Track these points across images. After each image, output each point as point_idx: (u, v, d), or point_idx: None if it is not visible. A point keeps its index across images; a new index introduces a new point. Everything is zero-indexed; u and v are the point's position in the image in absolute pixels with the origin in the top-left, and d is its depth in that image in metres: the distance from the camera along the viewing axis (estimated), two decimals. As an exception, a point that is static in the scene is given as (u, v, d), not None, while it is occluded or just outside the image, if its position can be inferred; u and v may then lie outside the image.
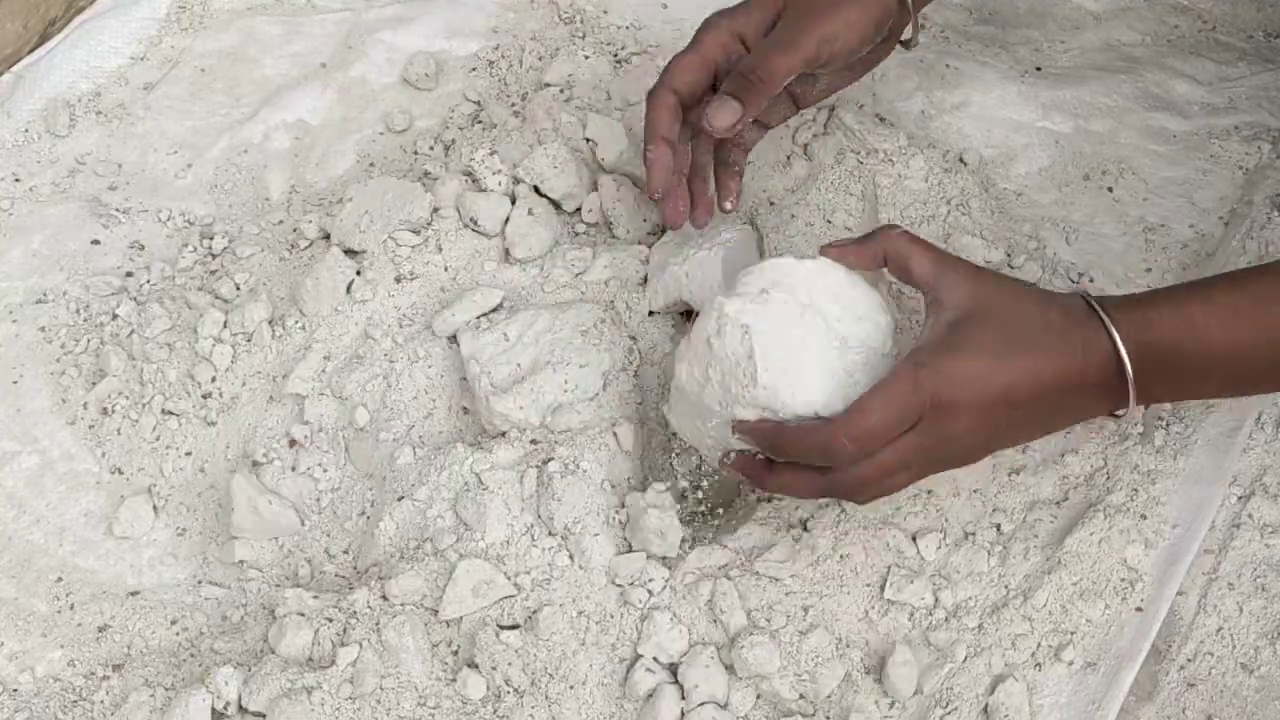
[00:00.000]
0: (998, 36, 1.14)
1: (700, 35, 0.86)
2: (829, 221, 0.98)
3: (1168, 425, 0.86)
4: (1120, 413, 0.75)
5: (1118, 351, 0.71)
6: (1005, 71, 1.09)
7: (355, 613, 0.77)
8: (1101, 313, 0.72)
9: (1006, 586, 0.80)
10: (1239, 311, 0.71)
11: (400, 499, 0.82)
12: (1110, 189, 1.02)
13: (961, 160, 1.02)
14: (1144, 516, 0.82)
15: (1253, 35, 1.14)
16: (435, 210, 0.95)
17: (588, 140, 0.99)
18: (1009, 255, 0.95)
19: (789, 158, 1.01)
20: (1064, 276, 0.95)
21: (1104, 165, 1.03)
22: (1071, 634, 0.78)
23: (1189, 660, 0.78)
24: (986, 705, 0.76)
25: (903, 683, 0.76)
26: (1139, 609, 0.79)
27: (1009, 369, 0.71)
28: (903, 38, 0.92)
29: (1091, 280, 0.95)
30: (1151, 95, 1.07)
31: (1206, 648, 0.79)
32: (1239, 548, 0.82)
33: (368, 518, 0.84)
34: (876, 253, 0.76)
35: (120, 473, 0.88)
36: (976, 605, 0.80)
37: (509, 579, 0.78)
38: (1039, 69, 1.10)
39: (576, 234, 0.97)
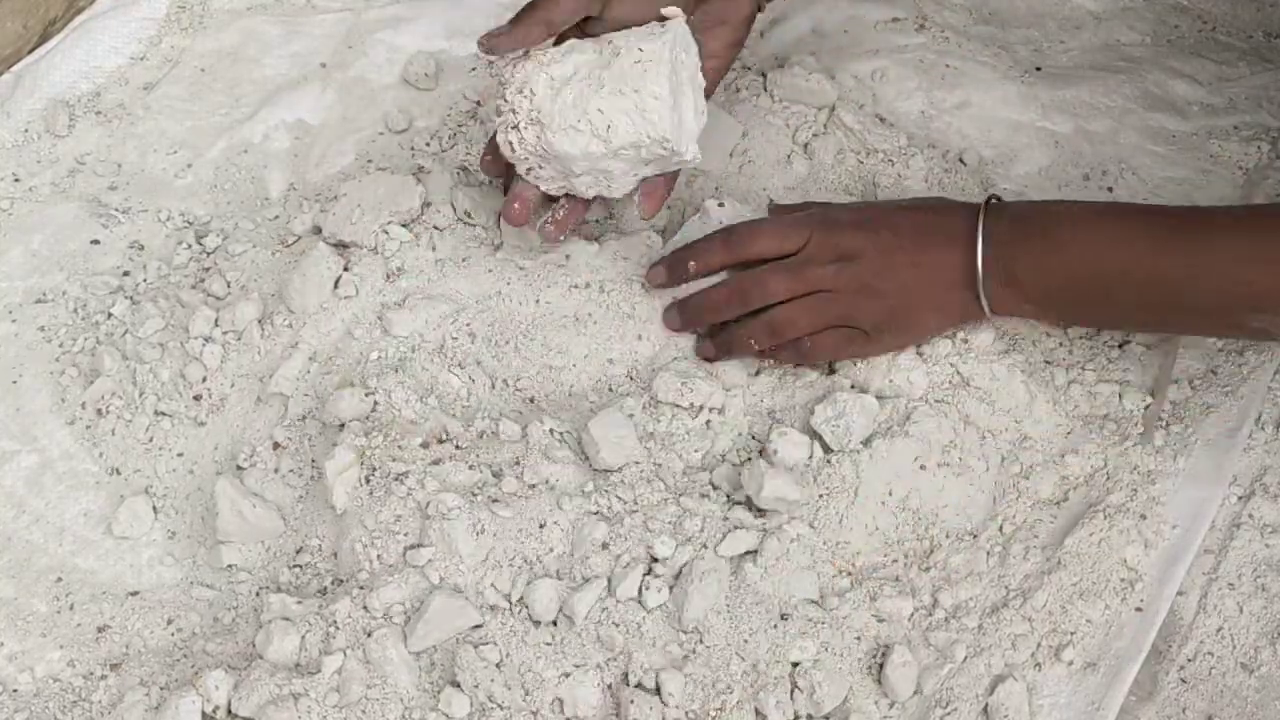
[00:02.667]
0: (998, 36, 1.14)
1: None
2: (829, 221, 0.98)
3: (1168, 425, 0.86)
4: (985, 308, 0.82)
5: (974, 207, 0.81)
6: (1005, 71, 1.09)
7: (337, 622, 0.77)
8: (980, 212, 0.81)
9: (1006, 587, 0.80)
10: (1094, 227, 0.80)
11: (377, 507, 0.82)
12: (1110, 189, 1.02)
13: (961, 160, 1.02)
14: (1144, 516, 0.82)
15: (1253, 35, 1.14)
16: (427, 204, 0.95)
17: None
18: (1009, 255, 0.95)
19: (789, 156, 1.01)
20: (1064, 276, 0.95)
21: (1104, 165, 1.03)
22: (1071, 634, 0.78)
23: (1189, 660, 0.78)
24: (986, 705, 0.76)
25: (902, 683, 0.76)
26: (1139, 609, 0.79)
27: (889, 210, 0.84)
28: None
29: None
30: (1151, 95, 1.07)
31: (1206, 648, 0.79)
32: (1239, 548, 0.82)
33: (341, 527, 0.84)
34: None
35: (118, 473, 0.88)
36: (976, 605, 0.80)
37: (479, 609, 0.77)
38: (1039, 69, 1.10)
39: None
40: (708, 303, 0.86)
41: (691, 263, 0.85)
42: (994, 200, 0.83)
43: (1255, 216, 0.80)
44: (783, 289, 0.83)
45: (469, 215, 0.95)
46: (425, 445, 0.84)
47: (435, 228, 0.95)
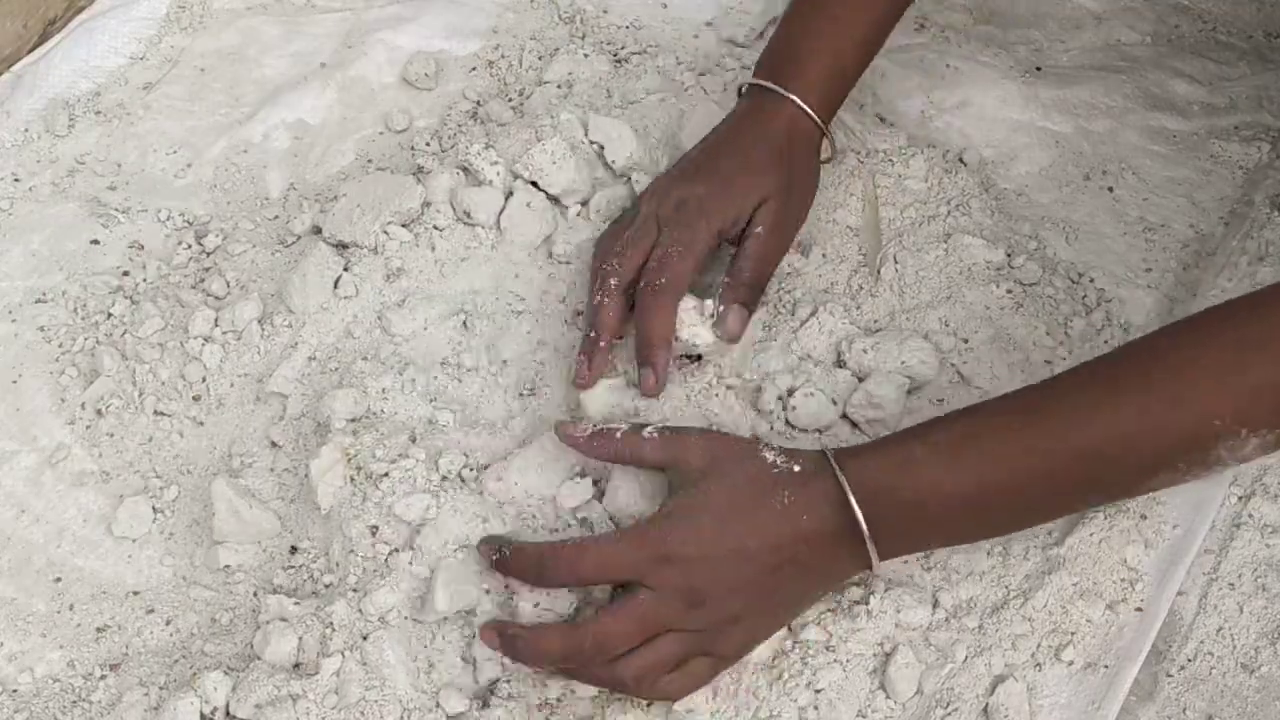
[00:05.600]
0: (998, 36, 1.14)
1: (695, 237, 0.85)
2: (831, 220, 0.98)
3: (1168, 425, 0.86)
4: (866, 572, 0.75)
5: (847, 499, 0.70)
6: (1005, 71, 1.09)
7: (334, 624, 0.77)
8: (833, 463, 0.72)
9: (1006, 587, 0.80)
10: (951, 448, 0.71)
11: (360, 508, 0.81)
12: (1110, 189, 1.02)
13: (961, 160, 1.02)
14: (1144, 516, 0.82)
15: (1253, 35, 1.14)
16: (427, 204, 0.95)
17: (593, 143, 0.99)
18: (1009, 255, 0.95)
19: (789, 157, 1.01)
20: (1064, 276, 0.95)
21: (1104, 165, 1.03)
22: (1071, 634, 0.78)
23: (1189, 660, 0.78)
24: (987, 706, 0.76)
25: (903, 684, 0.76)
26: (1139, 609, 0.79)
27: (737, 523, 0.71)
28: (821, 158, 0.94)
29: (1092, 280, 0.95)
30: (1151, 95, 1.07)
31: (1206, 648, 0.79)
32: (1239, 548, 0.82)
33: (328, 528, 0.84)
34: (606, 449, 0.77)
35: (118, 473, 0.88)
36: (976, 605, 0.80)
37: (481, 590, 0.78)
38: (1039, 69, 1.10)
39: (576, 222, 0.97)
40: (537, 649, 0.72)
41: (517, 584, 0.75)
42: (839, 464, 0.72)
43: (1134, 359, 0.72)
44: (623, 641, 0.71)
45: (469, 215, 0.95)
46: (414, 440, 0.84)
47: (435, 228, 0.95)
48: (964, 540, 0.77)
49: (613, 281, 0.85)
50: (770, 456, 0.73)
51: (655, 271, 0.84)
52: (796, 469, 0.73)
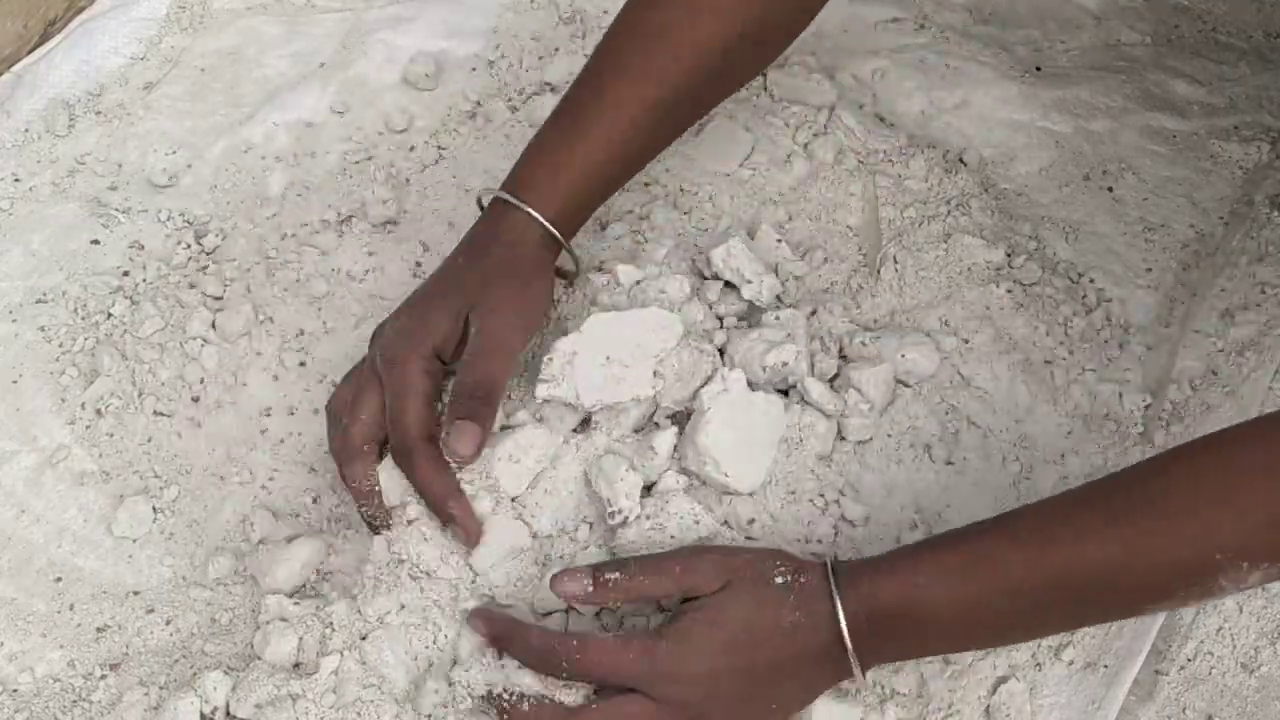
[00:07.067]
0: (998, 36, 1.14)
1: (406, 375, 0.79)
2: (831, 220, 0.98)
3: (1168, 425, 0.86)
4: (849, 682, 0.73)
5: (840, 629, 0.70)
6: (1005, 71, 1.09)
7: (333, 624, 0.77)
8: (833, 587, 0.70)
9: (1007, 586, 0.80)
10: (953, 570, 0.69)
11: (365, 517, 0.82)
12: (1110, 189, 1.02)
13: (961, 160, 1.02)
14: (1144, 516, 0.82)
15: (1253, 35, 1.14)
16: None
17: None
18: (1009, 255, 0.95)
19: (789, 157, 1.01)
20: (1064, 276, 0.95)
21: (1104, 165, 1.03)
22: (1071, 634, 0.78)
23: (1189, 660, 0.78)
24: (988, 706, 0.76)
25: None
26: (1139, 609, 0.79)
27: (746, 646, 0.70)
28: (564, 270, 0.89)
29: (1092, 280, 0.95)
30: (1151, 95, 1.08)
31: (1206, 648, 0.79)
32: (1239, 548, 0.82)
33: (335, 530, 0.84)
34: (618, 593, 0.72)
35: (117, 473, 0.88)
36: (977, 605, 0.80)
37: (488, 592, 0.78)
38: (1039, 69, 1.10)
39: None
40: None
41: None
42: (837, 588, 0.70)
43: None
44: None
45: None
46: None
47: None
48: (956, 652, 0.77)
49: (358, 444, 0.80)
50: (780, 577, 0.71)
51: (393, 434, 0.79)
52: (804, 588, 0.71)
